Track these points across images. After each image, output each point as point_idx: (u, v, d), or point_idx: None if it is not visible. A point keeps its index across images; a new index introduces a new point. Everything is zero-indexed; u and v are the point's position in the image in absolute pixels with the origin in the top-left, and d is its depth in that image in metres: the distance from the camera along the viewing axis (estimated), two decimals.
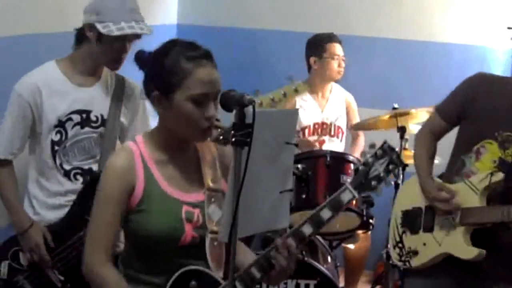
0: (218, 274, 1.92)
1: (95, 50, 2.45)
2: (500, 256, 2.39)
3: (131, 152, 1.90)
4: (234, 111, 1.64)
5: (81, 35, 2.47)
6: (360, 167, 1.95)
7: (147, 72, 1.93)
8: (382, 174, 1.93)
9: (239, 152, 1.61)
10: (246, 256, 2.02)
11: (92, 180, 2.51)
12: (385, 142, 1.96)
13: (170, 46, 1.89)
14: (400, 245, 2.62)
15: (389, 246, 2.70)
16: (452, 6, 4.19)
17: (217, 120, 1.88)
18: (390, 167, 1.93)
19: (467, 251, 2.38)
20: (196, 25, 4.47)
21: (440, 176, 2.63)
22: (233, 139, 1.61)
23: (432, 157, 2.61)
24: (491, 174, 2.37)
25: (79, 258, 2.47)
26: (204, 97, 1.83)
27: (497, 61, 4.08)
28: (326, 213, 1.90)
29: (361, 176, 1.94)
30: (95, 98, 2.54)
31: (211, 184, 1.94)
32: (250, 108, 1.61)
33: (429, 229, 2.52)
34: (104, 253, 1.88)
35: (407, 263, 2.58)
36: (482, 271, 2.43)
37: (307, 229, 1.89)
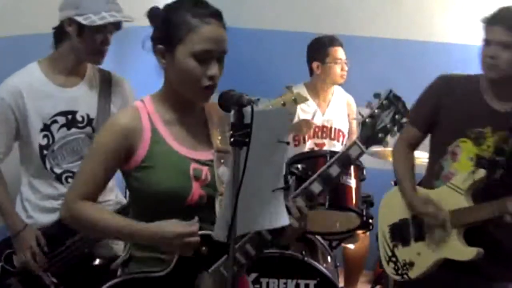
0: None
1: (76, 45, 2.42)
2: (492, 252, 2.40)
3: (138, 112, 1.88)
4: (233, 111, 1.64)
5: (60, 33, 2.45)
6: (367, 120, 1.91)
7: (155, 26, 1.91)
8: (389, 126, 1.90)
9: (237, 152, 1.61)
10: None
11: None
12: (390, 91, 1.92)
13: (180, 2, 1.87)
14: (393, 259, 2.61)
15: (382, 263, 2.69)
16: (452, 6, 4.19)
17: None
18: (397, 117, 1.90)
19: (466, 252, 2.38)
20: None
21: (419, 183, 2.63)
22: (232, 139, 1.61)
23: (412, 169, 2.61)
24: (473, 172, 2.38)
25: (74, 261, 2.49)
26: (207, 54, 1.80)
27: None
28: (334, 170, 1.89)
29: (368, 129, 1.90)
30: (80, 98, 2.51)
31: (220, 145, 1.92)
32: (248, 108, 1.60)
33: (420, 238, 2.52)
34: (79, 194, 1.86)
35: (405, 276, 2.56)
36: (478, 269, 2.43)
37: (316, 187, 1.89)
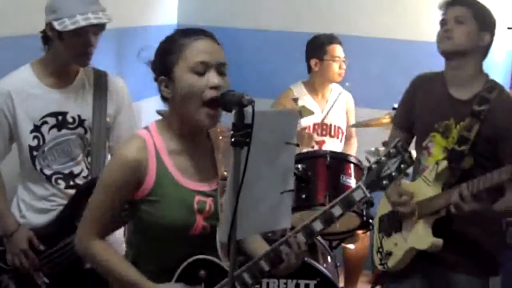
0: (226, 264, 1.92)
1: (60, 49, 2.41)
2: (461, 245, 2.44)
3: (144, 142, 1.88)
4: (234, 112, 1.64)
5: (46, 36, 2.44)
6: (373, 166, 1.95)
7: (154, 65, 1.93)
8: (394, 174, 1.93)
9: (238, 152, 1.61)
10: (256, 243, 2.03)
11: (85, 187, 2.50)
12: (398, 141, 1.96)
13: (172, 33, 1.91)
14: (380, 249, 2.67)
15: (373, 253, 2.75)
16: None
17: None
18: (402, 166, 1.93)
19: (423, 242, 2.42)
20: (196, 25, 4.47)
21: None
22: (232, 140, 1.61)
23: None
24: (437, 163, 2.41)
25: (65, 262, 2.49)
26: (204, 65, 1.81)
27: (496, 61, 4.08)
28: (337, 210, 1.93)
29: (373, 175, 1.94)
30: (71, 99, 2.50)
31: (225, 173, 1.93)
32: (249, 109, 1.60)
33: (399, 229, 2.57)
34: (94, 233, 1.90)
35: (385, 266, 2.63)
36: (449, 261, 2.47)
37: (317, 226, 1.92)
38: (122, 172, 1.86)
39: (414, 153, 2.96)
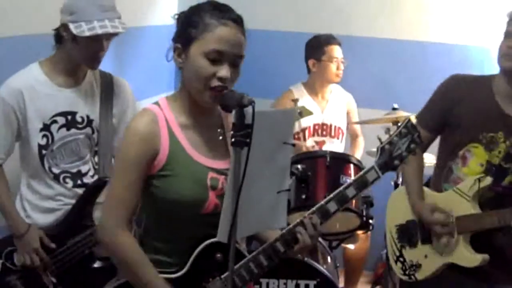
0: (242, 246, 1.92)
1: (72, 50, 2.42)
2: (497, 257, 2.39)
3: (155, 116, 1.85)
4: (234, 112, 1.64)
5: (59, 35, 2.45)
6: (386, 146, 1.93)
7: (177, 27, 1.90)
8: (404, 154, 1.91)
9: (238, 152, 1.61)
10: (272, 232, 2.00)
11: (93, 186, 2.53)
12: (408, 120, 1.94)
13: (203, 3, 1.87)
14: (401, 259, 2.60)
15: (390, 261, 2.68)
16: (452, 6, 4.19)
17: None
18: (412, 146, 1.92)
19: (471, 259, 2.37)
20: None
21: (427, 183, 2.61)
22: (233, 140, 1.61)
23: (420, 172, 2.58)
24: (479, 180, 2.36)
25: (74, 262, 2.50)
26: (219, 54, 1.78)
27: (496, 61, 4.08)
28: (351, 191, 1.94)
29: (386, 155, 1.93)
30: (80, 99, 2.51)
31: None
32: (249, 109, 1.60)
33: (428, 240, 2.51)
34: (123, 220, 1.83)
35: (412, 277, 2.56)
36: (482, 273, 2.42)
37: (332, 206, 1.93)
38: (139, 146, 1.82)
39: (431, 156, 2.92)
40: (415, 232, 2.55)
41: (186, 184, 1.84)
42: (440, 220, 2.41)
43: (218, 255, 1.88)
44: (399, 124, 1.97)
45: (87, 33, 2.33)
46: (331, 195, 1.94)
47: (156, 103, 1.90)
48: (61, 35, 2.42)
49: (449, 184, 2.49)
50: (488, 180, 2.35)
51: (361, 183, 1.93)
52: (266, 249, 1.89)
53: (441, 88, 2.53)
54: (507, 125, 2.36)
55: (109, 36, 2.43)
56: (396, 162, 1.91)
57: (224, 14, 1.83)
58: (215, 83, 1.78)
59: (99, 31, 2.34)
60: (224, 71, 1.78)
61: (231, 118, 1.88)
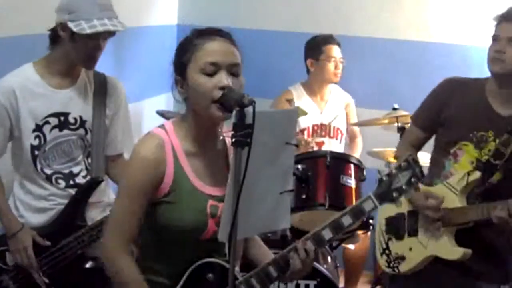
0: (236, 268, 1.92)
1: (69, 50, 2.41)
2: (481, 253, 2.43)
3: (162, 141, 1.87)
4: (234, 112, 1.64)
5: (55, 35, 2.44)
6: (384, 178, 1.95)
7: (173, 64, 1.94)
8: (404, 187, 1.93)
9: (239, 152, 1.61)
10: (261, 251, 2.04)
11: (86, 186, 2.52)
12: (410, 155, 1.97)
13: (190, 32, 1.91)
14: (387, 251, 2.64)
15: (376, 254, 2.72)
16: (452, 6, 4.19)
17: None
18: (413, 180, 1.93)
19: (453, 252, 2.41)
20: (196, 25, 4.45)
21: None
22: (233, 140, 1.61)
23: None
24: (468, 174, 2.40)
25: (66, 262, 2.49)
26: (214, 66, 1.80)
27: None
28: (346, 220, 1.93)
29: (384, 186, 1.94)
30: (73, 100, 2.50)
31: None
32: (250, 109, 1.60)
33: (414, 233, 2.55)
34: (123, 242, 1.87)
35: (395, 269, 2.60)
36: (468, 269, 2.46)
37: (327, 234, 1.92)
38: (144, 172, 1.84)
39: (424, 155, 2.95)
40: (403, 224, 2.60)
41: (187, 212, 1.87)
42: (433, 205, 2.44)
43: (210, 275, 1.90)
44: (400, 158, 2.01)
45: (88, 31, 2.32)
46: (326, 222, 1.94)
47: (162, 126, 1.92)
48: (58, 35, 2.42)
49: (440, 179, 2.54)
50: (477, 174, 2.40)
51: (357, 212, 1.94)
52: (259, 273, 1.91)
53: (435, 89, 2.62)
54: (496, 125, 2.42)
55: (106, 36, 2.42)
56: (395, 194, 1.93)
57: (210, 33, 1.87)
58: (218, 94, 1.79)
59: (100, 28, 2.34)
60: (223, 79, 1.80)
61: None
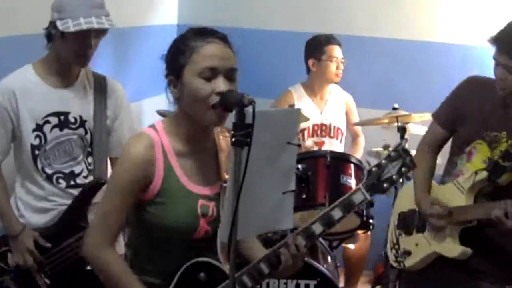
0: (226, 267, 1.91)
1: (61, 48, 2.42)
2: (485, 253, 2.43)
3: (152, 141, 1.87)
4: (234, 111, 1.63)
5: (49, 34, 2.45)
6: (373, 169, 1.94)
7: (165, 60, 1.92)
8: (394, 177, 1.91)
9: (238, 152, 1.61)
10: (255, 246, 2.03)
11: (89, 187, 2.51)
12: (399, 144, 1.95)
13: (185, 32, 1.90)
14: (396, 246, 2.65)
15: (387, 248, 2.73)
16: (452, 6, 4.19)
17: None
18: (403, 170, 1.92)
19: (452, 249, 2.41)
20: (196, 25, 4.47)
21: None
22: (233, 139, 1.61)
23: (430, 171, 2.61)
24: (475, 173, 2.40)
25: (67, 263, 2.49)
26: (212, 71, 1.80)
27: None
28: (337, 213, 1.91)
29: (374, 177, 1.93)
30: (72, 99, 2.51)
31: (227, 177, 1.90)
32: (250, 108, 1.60)
33: (421, 229, 2.56)
34: (105, 238, 1.87)
35: (401, 264, 2.61)
36: (473, 269, 2.46)
37: (317, 228, 1.90)
38: (133, 172, 1.84)
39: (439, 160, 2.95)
40: (413, 220, 2.61)
41: (178, 213, 1.87)
42: (437, 213, 2.44)
43: (201, 274, 1.90)
44: (389, 149, 1.99)
45: (72, 29, 2.33)
46: (316, 217, 1.92)
47: (153, 126, 1.92)
48: (51, 33, 2.43)
49: (450, 178, 2.53)
50: (483, 174, 2.39)
51: (347, 205, 1.92)
52: (251, 270, 1.90)
53: (456, 88, 2.59)
54: (509, 128, 2.40)
55: (98, 34, 2.43)
56: (386, 185, 1.91)
57: (207, 34, 1.86)
58: (215, 99, 1.79)
59: (84, 26, 2.34)
60: (221, 85, 1.79)
61: (225, 141, 1.95)
